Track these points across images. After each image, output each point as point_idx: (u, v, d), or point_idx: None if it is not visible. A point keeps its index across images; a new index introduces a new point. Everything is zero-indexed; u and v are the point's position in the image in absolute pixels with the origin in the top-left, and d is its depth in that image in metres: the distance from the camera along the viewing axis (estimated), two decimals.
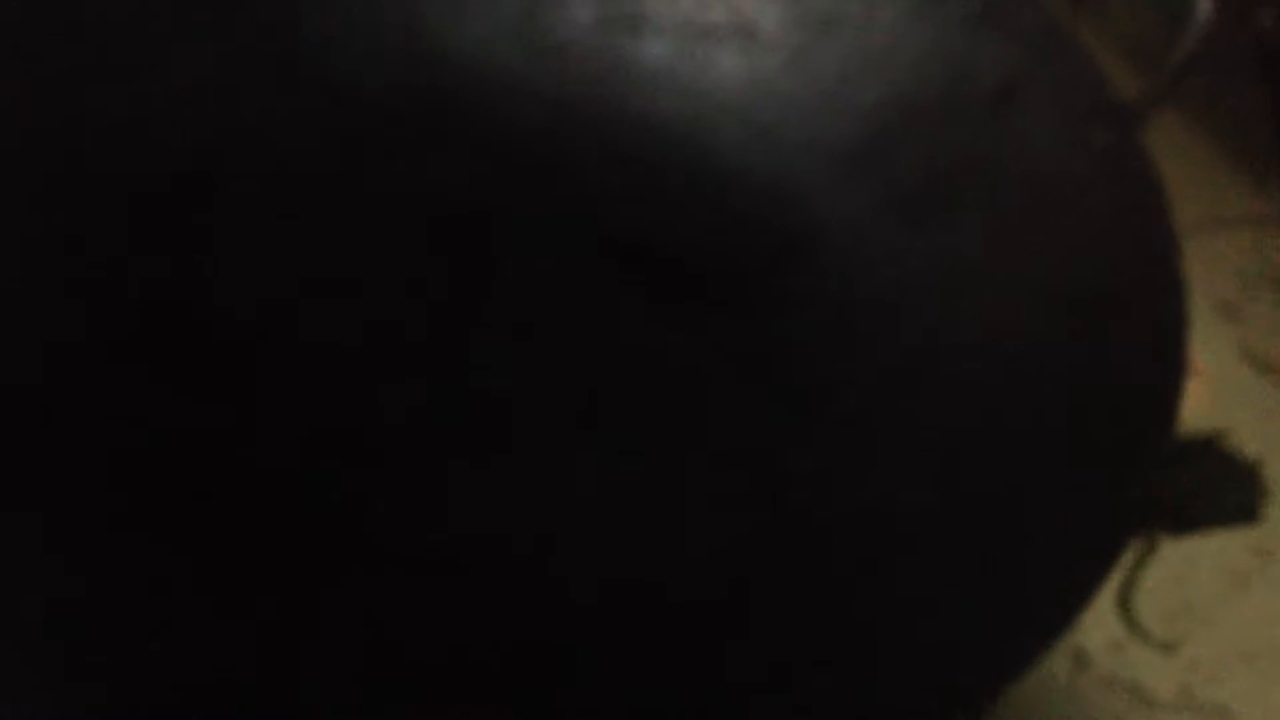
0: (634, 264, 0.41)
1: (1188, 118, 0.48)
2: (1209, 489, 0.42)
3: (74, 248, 0.39)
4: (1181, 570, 0.42)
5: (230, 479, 0.37)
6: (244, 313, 0.39)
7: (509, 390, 0.39)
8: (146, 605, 0.34)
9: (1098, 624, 0.41)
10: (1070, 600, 0.36)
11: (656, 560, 0.37)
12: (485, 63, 0.42)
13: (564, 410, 0.39)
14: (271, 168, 0.41)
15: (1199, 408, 0.44)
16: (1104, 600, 0.42)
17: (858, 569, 0.36)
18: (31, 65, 0.38)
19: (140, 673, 0.34)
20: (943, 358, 0.39)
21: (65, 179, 0.39)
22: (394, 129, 0.41)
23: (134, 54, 0.39)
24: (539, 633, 0.35)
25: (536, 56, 0.42)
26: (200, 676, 0.34)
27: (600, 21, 0.42)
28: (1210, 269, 0.48)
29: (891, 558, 0.36)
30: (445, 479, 0.38)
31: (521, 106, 0.42)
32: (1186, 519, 0.42)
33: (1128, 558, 0.42)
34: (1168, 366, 0.37)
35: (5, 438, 0.36)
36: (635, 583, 0.36)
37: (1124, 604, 0.41)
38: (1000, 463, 0.37)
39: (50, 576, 0.34)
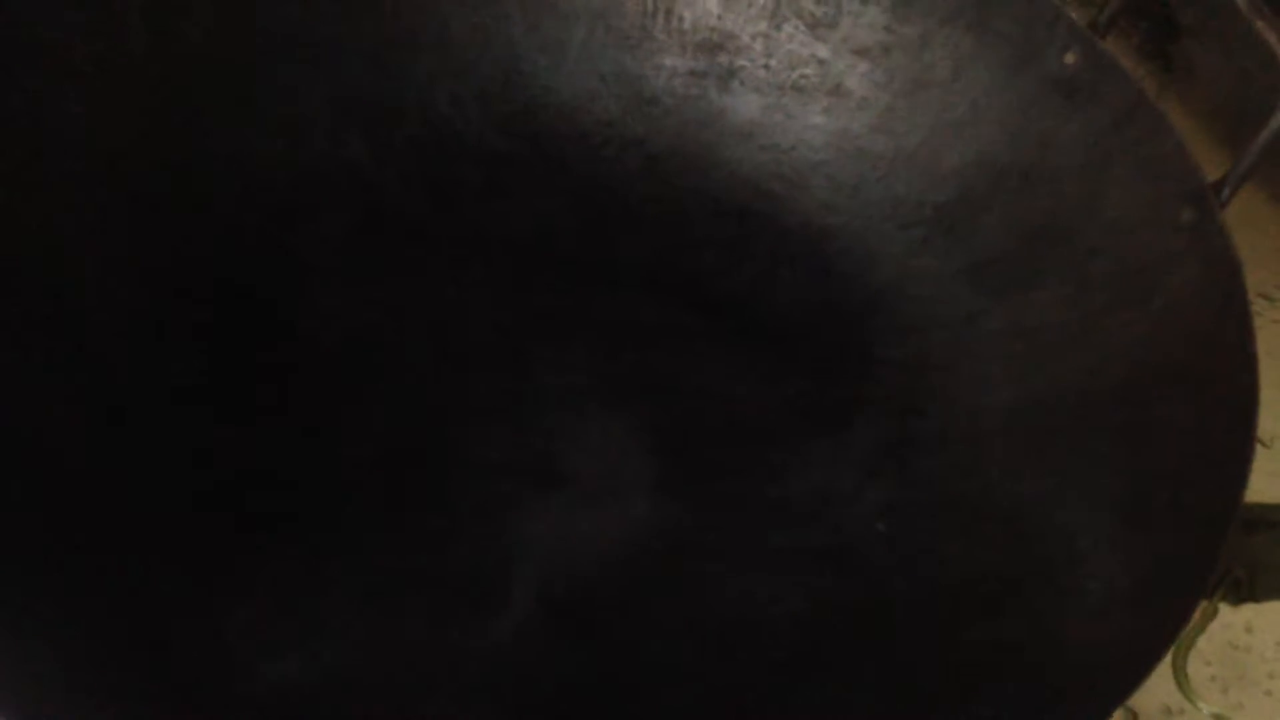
0: (716, 313, 0.41)
1: (1267, 193, 0.48)
2: (1273, 559, 0.42)
3: (176, 272, 0.39)
4: (1239, 639, 0.42)
5: (306, 506, 0.38)
6: (328, 343, 0.40)
7: (585, 430, 0.39)
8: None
9: (1152, 689, 0.41)
10: (1131, 669, 0.36)
11: (721, 611, 0.37)
12: (581, 110, 0.42)
13: (632, 453, 0.39)
14: (366, 203, 0.41)
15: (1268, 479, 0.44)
16: (1160, 665, 0.42)
17: (925, 634, 0.36)
18: (155, 97, 0.39)
19: None
20: (1018, 425, 0.39)
21: (171, 204, 0.39)
22: (488, 172, 0.42)
23: (247, 90, 0.40)
24: (610, 680, 0.36)
25: (631, 106, 0.42)
26: None
27: (694, 74, 0.43)
28: None
29: (958, 620, 0.36)
30: (519, 517, 0.38)
31: (614, 154, 0.42)
32: (1249, 588, 0.42)
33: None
34: (1238, 439, 0.38)
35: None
36: (701, 633, 0.37)
37: (1178, 670, 0.41)
38: (1069, 529, 0.37)
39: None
